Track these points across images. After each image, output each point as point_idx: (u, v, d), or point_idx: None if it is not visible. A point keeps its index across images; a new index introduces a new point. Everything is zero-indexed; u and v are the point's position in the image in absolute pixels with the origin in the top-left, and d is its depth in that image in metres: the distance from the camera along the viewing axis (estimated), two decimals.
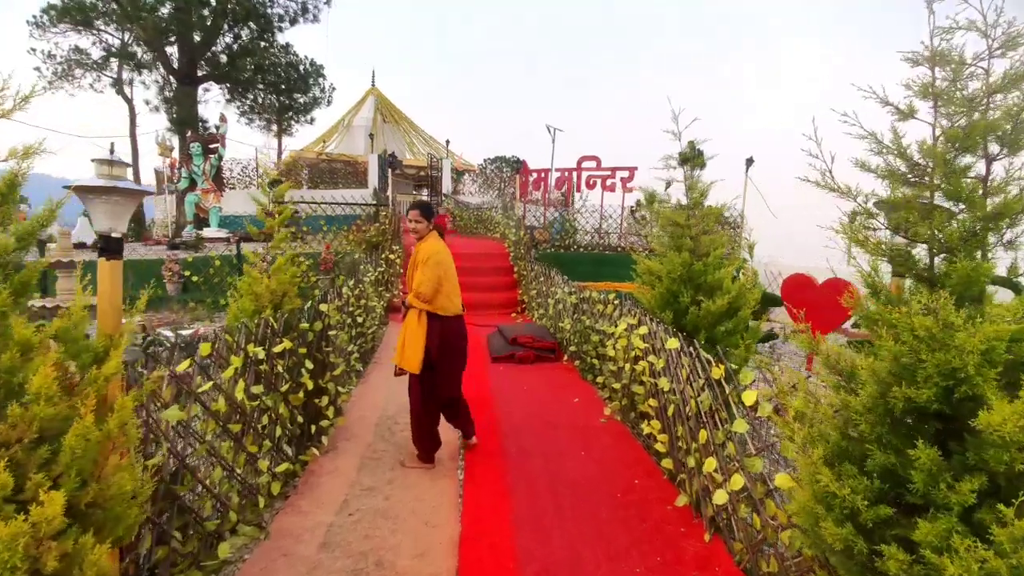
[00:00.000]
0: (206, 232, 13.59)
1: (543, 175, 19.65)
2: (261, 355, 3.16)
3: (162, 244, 13.25)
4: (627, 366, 4.66)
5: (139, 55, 17.30)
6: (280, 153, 25.01)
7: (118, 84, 19.70)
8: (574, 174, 19.11)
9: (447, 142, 23.15)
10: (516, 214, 11.28)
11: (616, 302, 5.60)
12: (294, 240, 11.11)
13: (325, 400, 4.05)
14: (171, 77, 16.23)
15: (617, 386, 4.96)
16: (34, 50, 22.62)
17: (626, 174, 18.22)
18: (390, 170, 23.01)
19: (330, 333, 4.53)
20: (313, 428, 3.79)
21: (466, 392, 4.16)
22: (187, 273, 9.20)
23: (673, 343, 3.71)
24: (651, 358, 4.03)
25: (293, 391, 3.60)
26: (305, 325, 3.88)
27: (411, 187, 26.89)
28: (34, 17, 21.19)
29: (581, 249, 12.27)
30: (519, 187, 14.70)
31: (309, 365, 3.77)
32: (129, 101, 20.01)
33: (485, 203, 17.35)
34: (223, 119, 13.88)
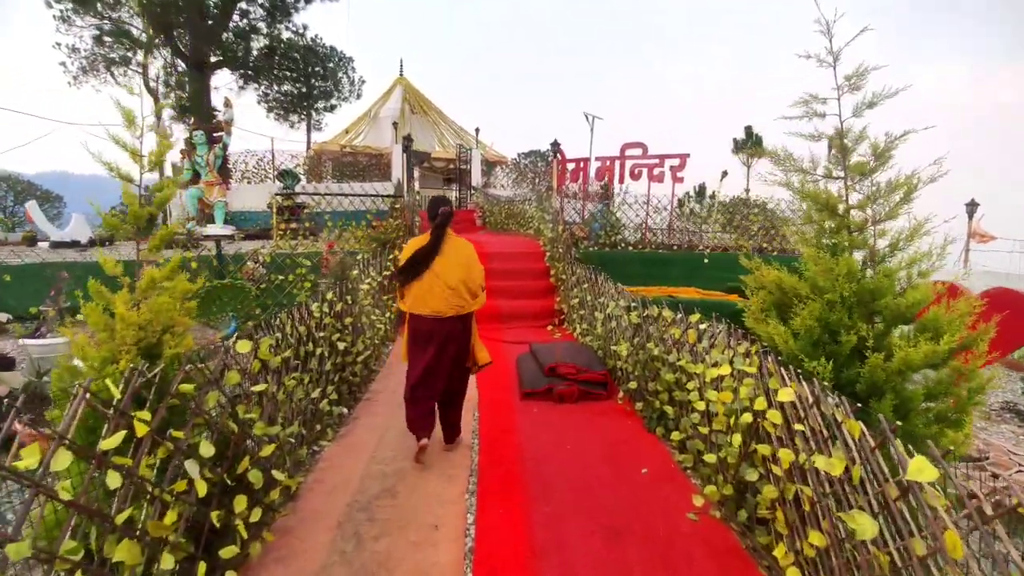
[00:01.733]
0: (210, 229, 12.34)
1: (582, 164, 17.88)
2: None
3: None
4: (734, 438, 2.90)
5: (142, 36, 16.31)
6: (309, 146, 23.98)
7: (144, 77, 18.79)
8: (616, 163, 17.37)
9: (477, 130, 21.58)
10: (552, 207, 9.53)
11: (704, 327, 3.85)
12: (294, 237, 9.64)
13: (242, 503, 2.43)
14: (177, 60, 15.18)
15: (711, 459, 3.21)
16: (59, 44, 22.10)
17: (676, 162, 16.29)
18: (416, 162, 21.59)
19: (256, 390, 2.90)
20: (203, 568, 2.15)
21: (486, 444, 3.86)
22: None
23: (853, 429, 1.96)
24: (791, 448, 2.27)
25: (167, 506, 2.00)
26: (187, 387, 2.26)
27: (440, 181, 25.45)
28: (61, 11, 20.56)
29: (629, 247, 10.44)
30: (556, 177, 12.93)
31: (194, 471, 2.14)
32: (154, 94, 19.10)
33: (518, 196, 15.63)
34: (228, 103, 12.61)
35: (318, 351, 4.01)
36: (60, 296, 7.61)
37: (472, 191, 18.60)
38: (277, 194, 10.54)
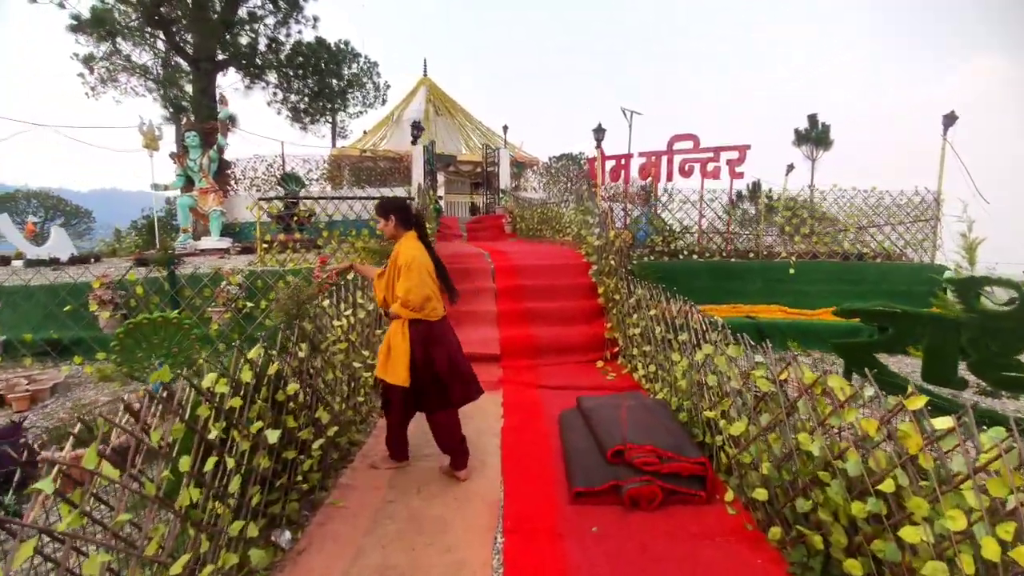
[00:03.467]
0: (204, 242, 10.90)
1: (623, 161, 15.96)
2: None
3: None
4: None
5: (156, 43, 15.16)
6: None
7: (162, 85, 17.70)
8: (663, 159, 15.41)
9: (504, 128, 19.87)
10: (597, 209, 7.68)
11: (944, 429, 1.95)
12: (292, 250, 8.02)
13: None
14: (176, 58, 13.97)
15: None
16: (76, 55, 21.36)
17: (735, 155, 14.22)
18: (441, 166, 19.99)
19: None
20: None
21: None
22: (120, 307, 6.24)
23: None
24: None
25: None
26: None
27: (467, 185, 23.85)
28: (74, 23, 19.76)
29: (693, 256, 8.47)
30: (600, 175, 11.08)
31: None
32: (173, 101, 17.99)
33: (552, 199, 13.80)
34: (223, 101, 11.21)
35: (227, 459, 2.26)
36: None
37: (501, 195, 16.86)
38: (261, 199, 9.03)
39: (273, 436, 2.56)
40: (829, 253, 8.68)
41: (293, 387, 2.87)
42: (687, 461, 3.25)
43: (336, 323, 3.94)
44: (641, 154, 15.65)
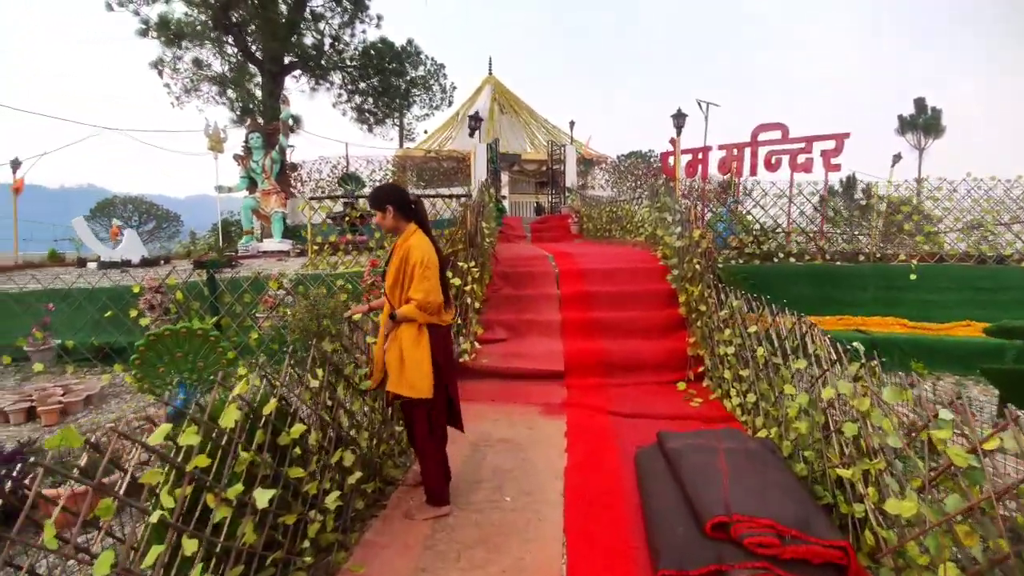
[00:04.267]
0: (266, 244, 10.81)
1: (700, 155, 14.73)
2: None
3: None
4: None
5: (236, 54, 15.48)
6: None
7: (230, 87, 18.20)
8: (746, 151, 14.09)
9: (571, 124, 19.03)
10: (679, 206, 6.74)
11: None
12: (336, 252, 7.62)
13: None
14: (241, 58, 14.17)
15: None
16: (163, 62, 22.50)
17: (831, 145, 12.76)
18: (505, 165, 19.43)
19: None
20: None
21: None
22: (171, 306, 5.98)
23: None
24: None
25: None
26: None
27: (532, 185, 23.20)
28: (171, 39, 20.73)
29: (791, 258, 7.34)
30: (678, 166, 10.11)
31: None
32: (241, 104, 18.49)
33: (623, 196, 12.86)
34: (284, 101, 11.10)
35: (186, 541, 1.66)
36: (46, 332, 6.04)
37: (567, 193, 16.05)
38: (312, 198, 8.73)
39: (263, 498, 1.93)
40: (960, 256, 7.28)
41: (299, 428, 2.25)
42: (820, 544, 2.36)
43: (371, 339, 3.33)
44: (721, 147, 14.39)
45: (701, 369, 5.30)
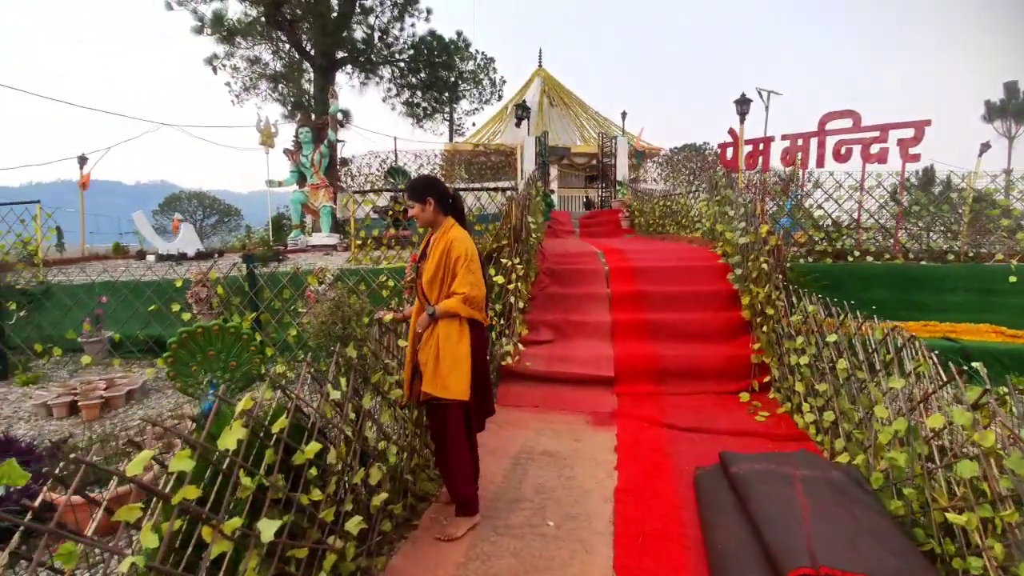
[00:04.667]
0: (315, 238, 10.85)
1: (761, 146, 13.88)
2: None
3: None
4: None
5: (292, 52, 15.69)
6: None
7: (282, 82, 18.53)
8: (812, 141, 13.17)
9: (623, 115, 18.39)
10: (743, 200, 6.21)
11: None
12: (379, 247, 7.46)
13: None
14: (292, 53, 14.33)
15: None
16: (223, 63, 23.24)
17: (908, 133, 11.74)
18: (555, 159, 19.00)
19: None
20: None
21: None
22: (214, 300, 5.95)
23: None
24: None
25: None
26: None
27: (581, 179, 22.68)
28: (224, 36, 21.38)
29: (869, 257, 6.66)
30: (741, 156, 9.48)
31: None
32: (292, 100, 18.80)
33: (677, 189, 12.27)
34: (333, 95, 11.08)
35: None
36: (99, 325, 6.13)
37: (618, 187, 15.50)
38: (355, 191, 8.62)
39: (269, 531, 1.69)
40: None
41: (314, 447, 2.00)
42: None
43: (403, 342, 3.07)
44: (784, 136, 13.52)
45: (767, 379, 4.81)
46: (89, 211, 12.62)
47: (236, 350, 3.73)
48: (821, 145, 13.30)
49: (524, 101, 12.31)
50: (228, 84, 22.31)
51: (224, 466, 1.71)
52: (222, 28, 13.27)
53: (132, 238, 13.54)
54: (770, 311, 4.83)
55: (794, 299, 4.53)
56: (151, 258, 10.58)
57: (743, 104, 8.73)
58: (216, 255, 11.24)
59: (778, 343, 4.68)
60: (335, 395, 2.21)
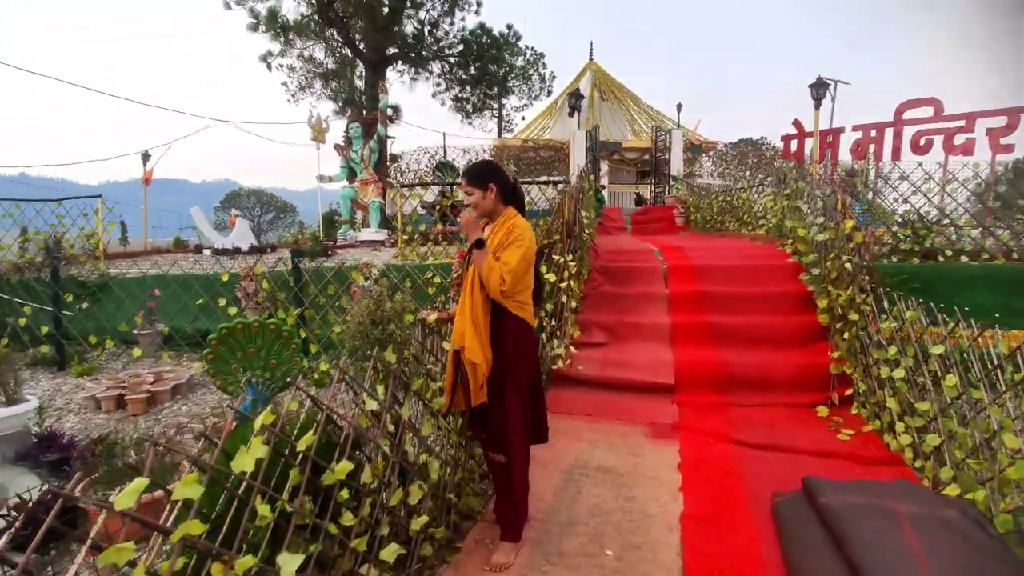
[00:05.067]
0: (364, 233, 10.85)
1: (829, 137, 12.99)
2: None
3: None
4: None
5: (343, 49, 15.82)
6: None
7: (333, 78, 18.75)
8: (888, 131, 12.22)
9: (678, 107, 17.68)
10: (821, 192, 5.65)
11: None
12: (426, 242, 7.28)
13: None
14: (348, 53, 14.38)
15: None
16: (280, 64, 23.83)
17: (1000, 121, 10.74)
18: (605, 154, 18.49)
19: None
20: None
21: None
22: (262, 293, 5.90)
23: None
24: None
25: None
26: None
27: (633, 175, 22.05)
28: (278, 33, 21.86)
29: (964, 257, 5.98)
30: (817, 147, 8.86)
31: None
32: (344, 96, 19.01)
33: (737, 185, 11.63)
34: (383, 89, 11.03)
35: None
36: (152, 318, 6.20)
37: (672, 182, 14.89)
38: (403, 185, 8.48)
39: (291, 566, 1.45)
40: None
41: (346, 467, 1.75)
42: None
43: (447, 344, 2.81)
44: (856, 127, 12.63)
45: (848, 392, 4.31)
46: (157, 207, 13.12)
47: (276, 348, 3.59)
48: (897, 136, 12.37)
49: (578, 89, 11.89)
50: (285, 84, 22.87)
51: (241, 490, 1.48)
52: (276, 25, 13.48)
53: (192, 233, 13.97)
54: (853, 316, 4.32)
55: (885, 303, 4.01)
56: (207, 252, 10.84)
57: (819, 88, 8.06)
58: (268, 250, 11.41)
59: (863, 352, 4.18)
60: (371, 405, 1.96)
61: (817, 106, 8.45)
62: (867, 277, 4.34)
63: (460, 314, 2.33)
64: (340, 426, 1.96)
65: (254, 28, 13.41)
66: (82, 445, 3.24)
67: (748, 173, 19.72)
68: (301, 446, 1.64)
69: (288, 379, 3.66)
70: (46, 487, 2.58)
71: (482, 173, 2.47)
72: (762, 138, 30.16)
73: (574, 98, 10.45)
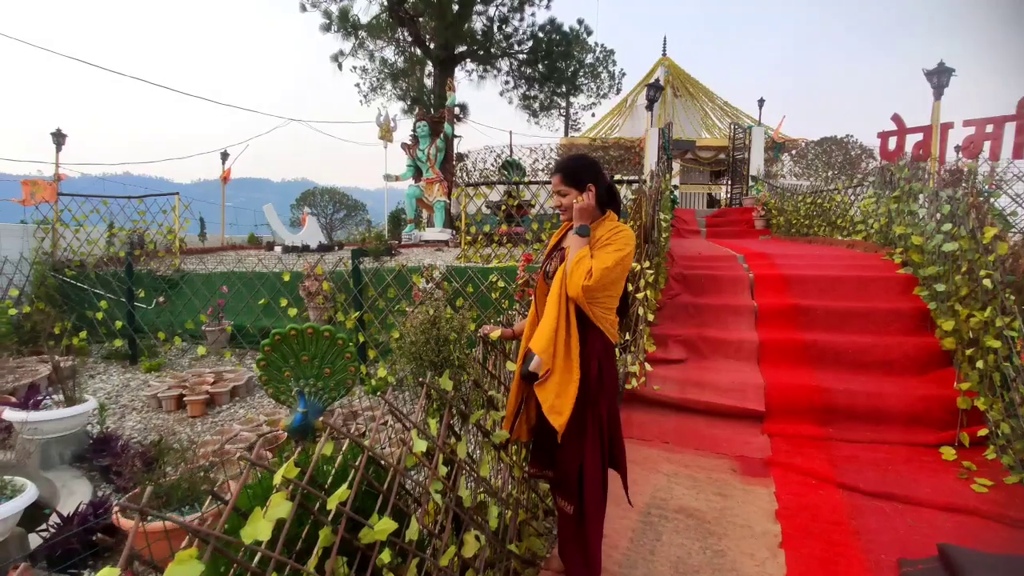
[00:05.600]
0: (428, 233, 10.74)
1: (923, 135, 11.67)
2: None
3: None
4: None
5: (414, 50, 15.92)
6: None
7: (402, 77, 18.97)
8: (1008, 127, 10.84)
9: (760, 102, 16.58)
10: (950, 193, 4.88)
11: None
12: (489, 244, 6.98)
13: None
14: (417, 51, 14.40)
15: None
16: (352, 66, 24.42)
17: None
18: (678, 152, 17.64)
19: None
20: None
21: None
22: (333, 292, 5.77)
23: None
24: None
25: None
26: None
27: (706, 175, 21.00)
28: (362, 40, 22.37)
29: None
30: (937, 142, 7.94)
31: None
32: (412, 95, 19.17)
33: (829, 187, 10.72)
34: (450, 87, 10.86)
35: None
36: (222, 315, 6.26)
37: (752, 182, 13.95)
38: (468, 184, 8.23)
39: None
40: None
41: (388, 526, 1.44)
42: None
43: (511, 365, 2.47)
44: (967, 123, 11.28)
45: (983, 432, 3.62)
46: (240, 205, 13.65)
47: (331, 356, 3.38)
48: (1020, 131, 10.94)
49: (657, 80, 11.30)
50: (357, 85, 23.43)
51: (256, 561, 1.19)
52: (347, 24, 13.68)
53: (266, 230, 14.42)
54: (992, 342, 3.63)
55: None
56: (278, 249, 11.07)
57: (939, 75, 7.11)
58: (335, 248, 11.53)
59: (1004, 386, 3.49)
60: (421, 447, 1.64)
61: (938, 95, 7.52)
62: (1012, 297, 3.63)
63: (542, 333, 1.96)
64: (384, 466, 1.65)
65: (327, 28, 13.68)
66: (133, 451, 3.15)
67: (830, 174, 18.36)
68: (333, 503, 1.34)
69: (342, 389, 3.44)
70: (83, 505, 2.45)
71: (581, 170, 2.08)
72: (848, 135, 28.09)
73: (653, 89, 9.82)
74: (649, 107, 10.34)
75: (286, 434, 3.28)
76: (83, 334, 5.98)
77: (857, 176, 8.68)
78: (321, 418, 3.47)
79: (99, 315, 6.01)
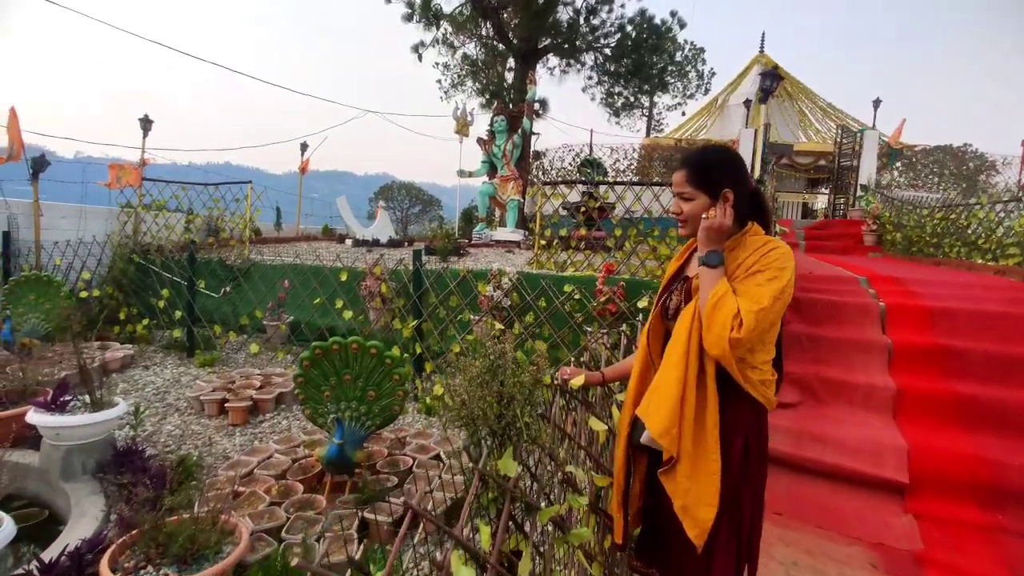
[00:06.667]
0: (499, 233, 10.26)
1: None
2: None
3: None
4: None
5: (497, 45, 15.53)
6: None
7: (483, 71, 18.69)
8: None
9: (875, 102, 14.88)
10: None
11: None
12: (565, 249, 6.31)
13: None
14: (495, 42, 13.93)
15: None
16: (436, 64, 24.45)
17: None
18: (774, 157, 16.22)
19: None
20: None
21: None
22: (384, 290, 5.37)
23: None
24: None
25: None
26: None
27: (801, 183, 19.35)
28: (443, 33, 22.38)
29: None
30: None
31: None
32: (491, 89, 18.85)
33: (965, 200, 9.30)
34: (531, 80, 10.28)
35: None
36: (282, 310, 6.01)
37: (861, 192, 12.48)
38: (545, 183, 7.60)
39: None
40: None
41: None
42: None
43: (597, 424, 1.84)
44: None
45: None
46: (324, 197, 13.80)
47: (377, 377, 2.89)
48: None
49: (776, 68, 10.23)
50: (439, 81, 23.43)
51: None
52: (428, 12, 13.45)
53: (339, 222, 14.50)
54: None
55: None
56: (349, 242, 10.96)
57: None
58: (405, 243, 11.29)
59: None
60: (483, 536, 1.06)
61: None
62: None
63: (662, 404, 1.34)
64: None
65: (408, 18, 13.53)
66: (153, 470, 2.80)
67: (942, 186, 16.40)
68: None
69: (388, 415, 2.94)
70: (71, 550, 2.07)
71: (717, 166, 1.48)
72: (965, 144, 25.17)
73: (768, 79, 8.71)
74: (764, 99, 9.23)
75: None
76: (146, 321, 5.92)
77: (1010, 192, 7.33)
78: (365, 446, 2.98)
79: (160, 303, 5.93)
